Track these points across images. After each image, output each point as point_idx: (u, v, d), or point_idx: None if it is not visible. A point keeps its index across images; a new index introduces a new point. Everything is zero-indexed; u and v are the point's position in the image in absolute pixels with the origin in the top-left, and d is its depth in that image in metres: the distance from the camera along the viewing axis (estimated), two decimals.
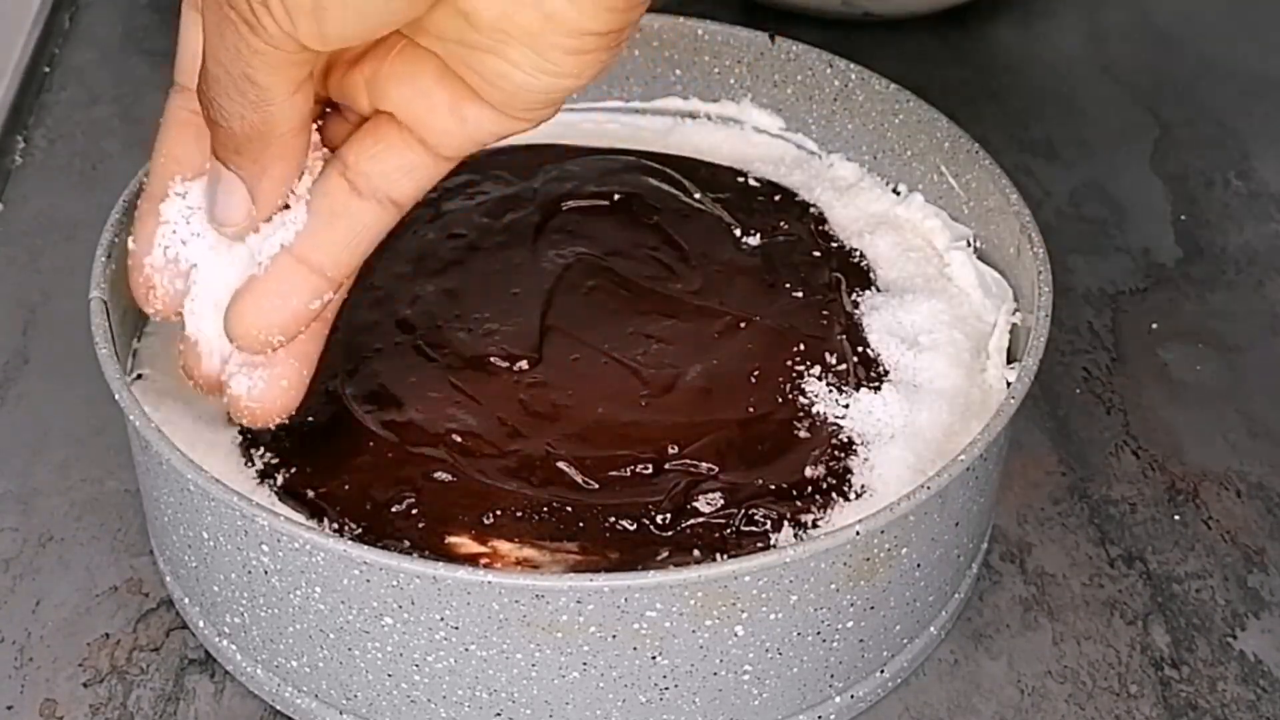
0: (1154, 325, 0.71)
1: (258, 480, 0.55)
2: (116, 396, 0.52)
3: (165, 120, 0.50)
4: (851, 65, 0.67)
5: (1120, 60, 0.88)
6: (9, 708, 0.55)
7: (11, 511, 0.61)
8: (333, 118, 0.50)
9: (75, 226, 0.73)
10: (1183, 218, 0.77)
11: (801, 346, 0.59)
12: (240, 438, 0.56)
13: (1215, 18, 0.91)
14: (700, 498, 0.53)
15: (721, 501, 0.53)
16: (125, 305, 0.56)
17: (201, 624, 0.55)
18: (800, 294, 0.61)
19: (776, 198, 0.67)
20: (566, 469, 0.54)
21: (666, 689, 0.50)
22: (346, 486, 0.54)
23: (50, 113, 0.81)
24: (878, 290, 0.63)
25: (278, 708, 0.54)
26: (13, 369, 0.67)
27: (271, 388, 0.51)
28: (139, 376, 0.59)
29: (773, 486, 0.54)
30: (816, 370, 0.58)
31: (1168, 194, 0.79)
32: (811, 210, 0.66)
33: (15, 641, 0.57)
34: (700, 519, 0.53)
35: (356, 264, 0.50)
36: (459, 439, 0.55)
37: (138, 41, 0.86)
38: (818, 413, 0.57)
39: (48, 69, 0.84)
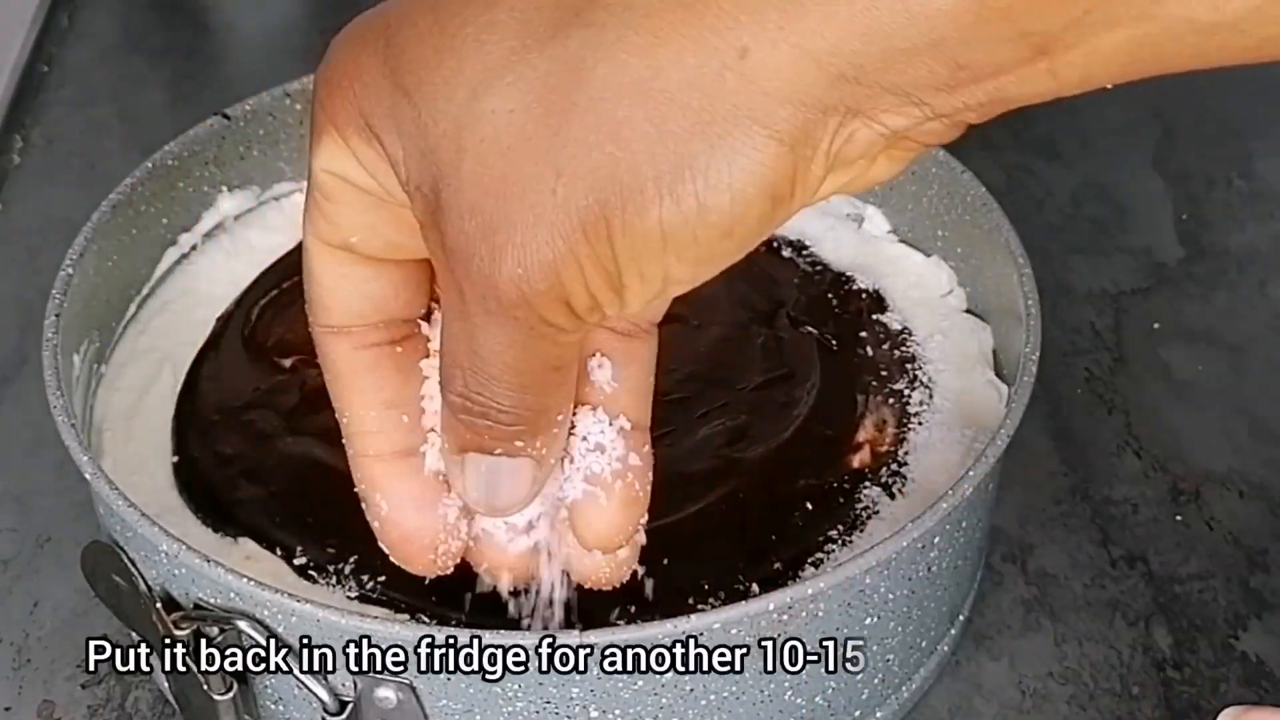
0: (1156, 325, 0.71)
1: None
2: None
3: (342, 370, 0.41)
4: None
5: None
6: (7, 709, 0.54)
7: (10, 512, 0.61)
8: None
9: (73, 226, 0.73)
10: (1185, 217, 0.77)
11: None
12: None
13: None
14: None
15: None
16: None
17: None
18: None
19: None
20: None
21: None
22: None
23: (48, 112, 0.81)
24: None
25: None
26: (11, 369, 0.67)
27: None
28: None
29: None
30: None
31: (1170, 193, 0.78)
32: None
33: (13, 642, 0.56)
34: None
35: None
36: None
37: (136, 41, 0.86)
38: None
39: (46, 68, 0.83)
